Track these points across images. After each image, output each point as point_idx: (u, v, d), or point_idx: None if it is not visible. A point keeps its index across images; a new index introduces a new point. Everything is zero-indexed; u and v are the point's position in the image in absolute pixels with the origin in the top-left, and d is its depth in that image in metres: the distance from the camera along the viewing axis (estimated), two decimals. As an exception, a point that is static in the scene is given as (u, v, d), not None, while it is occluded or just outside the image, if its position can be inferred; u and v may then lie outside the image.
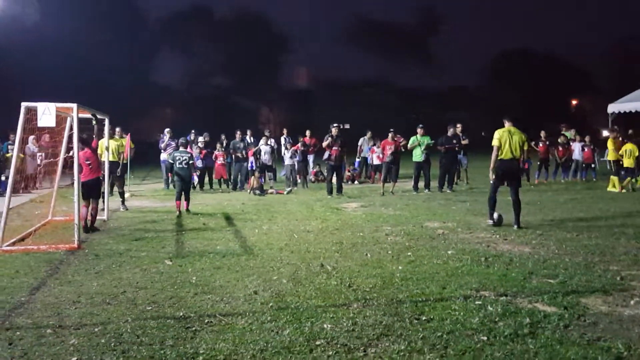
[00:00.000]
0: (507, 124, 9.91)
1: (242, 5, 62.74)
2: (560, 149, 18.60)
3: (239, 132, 17.83)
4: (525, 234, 8.96)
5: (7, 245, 8.30)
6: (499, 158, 9.74)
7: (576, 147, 18.48)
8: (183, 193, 12.20)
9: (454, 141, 16.08)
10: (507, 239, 8.58)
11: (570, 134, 19.79)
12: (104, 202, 11.66)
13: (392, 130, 16.43)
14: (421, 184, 15.99)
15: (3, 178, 16.01)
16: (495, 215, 9.89)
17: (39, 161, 17.68)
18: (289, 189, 16.55)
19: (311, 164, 19.94)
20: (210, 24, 56.00)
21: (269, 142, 17.11)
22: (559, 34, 75.43)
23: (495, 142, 9.76)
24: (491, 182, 9.98)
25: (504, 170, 9.80)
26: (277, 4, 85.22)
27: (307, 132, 19.78)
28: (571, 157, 18.66)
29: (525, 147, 9.92)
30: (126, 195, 13.70)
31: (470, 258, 7.27)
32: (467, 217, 10.83)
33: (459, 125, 16.98)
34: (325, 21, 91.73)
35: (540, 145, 18.32)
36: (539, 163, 18.16)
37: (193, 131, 18.34)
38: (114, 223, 10.98)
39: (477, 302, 5.38)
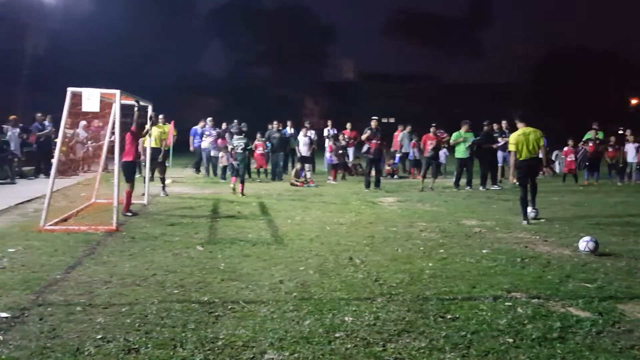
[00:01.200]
0: (520, 125, 10.14)
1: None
2: (610, 149, 17.98)
3: (275, 123, 17.91)
4: (567, 236, 8.70)
5: (50, 225, 8.55)
6: (519, 160, 9.95)
7: (629, 148, 17.73)
8: (235, 173, 13.57)
9: (499, 139, 15.85)
10: (547, 240, 8.37)
11: (590, 134, 18.62)
12: (144, 187, 11.95)
13: (434, 125, 16.26)
14: (463, 180, 15.76)
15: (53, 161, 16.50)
16: (531, 213, 9.97)
17: (88, 145, 18.20)
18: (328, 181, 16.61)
19: (351, 157, 19.86)
20: (256, 15, 56.28)
21: (307, 134, 17.11)
22: (617, 30, 72.83)
23: (512, 147, 10.06)
24: (516, 183, 10.14)
25: (527, 169, 10.04)
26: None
27: (348, 125, 19.71)
28: (624, 158, 17.90)
29: (541, 143, 10.12)
30: (167, 181, 13.96)
31: (506, 258, 7.11)
32: (507, 217, 10.59)
33: (503, 122, 16.71)
34: (371, 13, 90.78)
35: (590, 145, 17.67)
36: (587, 164, 17.57)
37: (235, 121, 18.52)
38: (153, 208, 11.22)
39: (506, 304, 5.26)
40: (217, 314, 4.85)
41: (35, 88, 27.08)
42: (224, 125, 18.74)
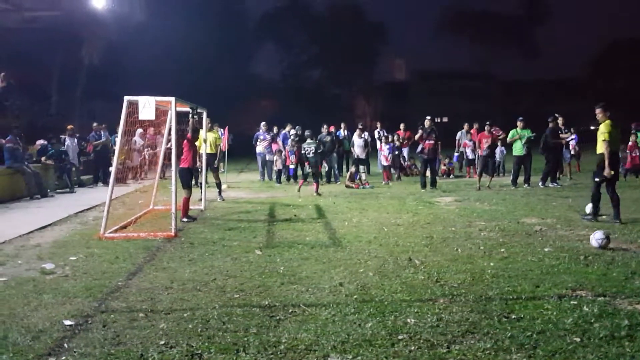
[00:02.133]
0: (603, 117, 9.58)
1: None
2: None
3: (325, 126, 17.88)
4: (631, 232, 8.40)
5: (110, 232, 8.77)
6: (612, 151, 9.39)
7: None
8: (312, 176, 14.69)
9: (568, 133, 15.49)
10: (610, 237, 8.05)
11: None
12: (201, 192, 12.15)
13: (488, 122, 15.97)
14: (521, 178, 15.36)
15: (111, 169, 16.97)
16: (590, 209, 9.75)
17: (145, 154, 18.65)
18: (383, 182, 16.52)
19: (406, 157, 19.68)
20: (307, 16, 56.49)
21: (362, 136, 17.03)
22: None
23: (606, 136, 9.34)
24: (608, 177, 9.36)
25: (616, 165, 9.67)
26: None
27: (401, 125, 19.53)
28: None
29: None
30: (223, 186, 14.15)
31: (569, 256, 6.89)
32: (569, 214, 10.29)
33: (560, 119, 16.24)
34: (424, 11, 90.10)
35: None
36: None
37: (289, 125, 18.63)
38: (210, 213, 11.36)
39: (572, 302, 5.08)
40: (278, 317, 4.85)
41: (92, 98, 28.00)
42: (275, 129, 18.91)
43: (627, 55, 56.38)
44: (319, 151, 14.74)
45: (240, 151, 19.06)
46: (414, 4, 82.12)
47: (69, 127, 16.91)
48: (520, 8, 64.33)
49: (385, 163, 17.65)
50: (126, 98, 8.91)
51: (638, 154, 17.11)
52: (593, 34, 79.83)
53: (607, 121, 9.46)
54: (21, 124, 16.40)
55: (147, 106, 8.71)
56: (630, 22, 79.70)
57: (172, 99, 9.06)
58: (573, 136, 17.02)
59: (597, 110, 9.63)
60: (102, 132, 17.90)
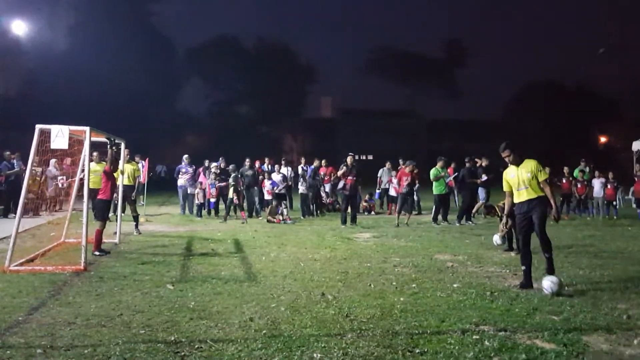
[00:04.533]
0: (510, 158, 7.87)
1: (268, 35, 63.87)
2: (579, 185, 18.42)
3: (247, 160, 17.90)
4: (536, 269, 8.72)
5: (16, 265, 8.37)
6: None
7: (596, 183, 18.18)
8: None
9: (483, 175, 16.11)
10: (516, 274, 8.35)
11: (586, 170, 19.51)
12: (116, 225, 11.81)
13: (409, 161, 16.40)
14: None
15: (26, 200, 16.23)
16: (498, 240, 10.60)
17: (60, 184, 17.98)
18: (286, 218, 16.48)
19: (328, 193, 19.82)
20: (236, 54, 56.84)
21: (281, 171, 17.19)
22: (587, 66, 74.87)
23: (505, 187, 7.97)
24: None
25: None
26: (303, 35, 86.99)
27: (323, 162, 19.72)
28: (591, 194, 18.37)
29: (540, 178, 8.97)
30: (141, 219, 13.82)
31: (476, 292, 7.13)
32: (480, 251, 10.66)
33: (483, 160, 16.97)
34: (350, 51, 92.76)
35: (564, 181, 18.20)
36: (561, 199, 17.92)
37: (221, 158, 18.52)
38: (125, 246, 11.05)
39: (474, 337, 5.25)
40: (183, 353, 4.76)
41: (6, 128, 26.88)
42: (206, 163, 18.67)
43: (546, 97, 59.80)
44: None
45: (161, 185, 18.67)
46: (342, 44, 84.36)
47: (-19, 156, 16.17)
48: (442, 51, 67.38)
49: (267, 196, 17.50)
50: (38, 126, 8.63)
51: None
52: (510, 76, 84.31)
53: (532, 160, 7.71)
54: None
55: (59, 135, 8.47)
56: (545, 65, 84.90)
57: (87, 128, 8.85)
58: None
59: (505, 152, 7.83)
60: (15, 161, 17.16)
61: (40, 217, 15.99)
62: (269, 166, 19.08)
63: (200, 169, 18.18)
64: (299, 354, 4.76)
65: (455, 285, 7.53)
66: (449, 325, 5.63)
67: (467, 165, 16.35)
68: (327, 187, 19.47)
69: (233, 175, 16.23)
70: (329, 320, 5.77)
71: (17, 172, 16.83)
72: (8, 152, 17.31)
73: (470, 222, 15.75)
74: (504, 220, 10.51)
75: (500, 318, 5.93)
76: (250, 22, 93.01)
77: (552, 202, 7.59)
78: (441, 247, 11.12)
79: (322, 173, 19.06)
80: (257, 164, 18.39)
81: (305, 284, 7.58)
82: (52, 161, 16.92)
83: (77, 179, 11.64)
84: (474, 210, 16.48)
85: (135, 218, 13.03)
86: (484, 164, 17.09)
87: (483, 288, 7.37)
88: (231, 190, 15.98)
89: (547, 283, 7.04)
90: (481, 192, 17.14)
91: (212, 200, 17.16)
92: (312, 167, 18.57)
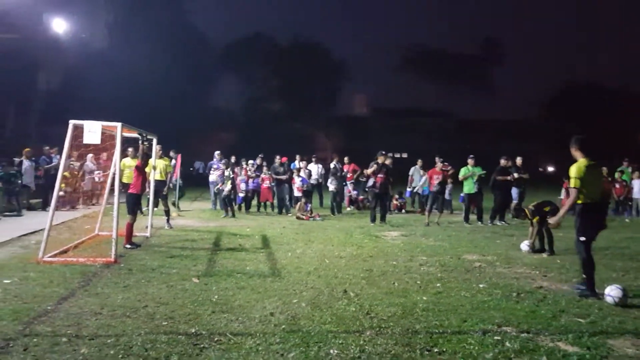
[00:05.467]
0: (578, 155, 7.39)
1: (302, 33, 64.00)
2: (617, 186, 17.96)
3: (278, 157, 18.07)
4: (567, 271, 8.61)
5: (49, 257, 8.60)
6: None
7: (635, 184, 17.73)
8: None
9: (515, 174, 15.87)
10: (546, 275, 8.27)
11: (628, 170, 19.04)
12: (148, 219, 12.03)
13: (440, 159, 16.28)
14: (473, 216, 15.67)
15: (62, 193, 16.64)
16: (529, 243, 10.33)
17: (96, 178, 18.38)
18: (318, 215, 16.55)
19: (351, 190, 19.83)
20: (270, 51, 57.11)
21: (309, 168, 17.37)
22: (631, 67, 72.91)
23: (576, 183, 7.10)
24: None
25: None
26: (336, 32, 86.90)
27: (346, 159, 19.77)
28: (630, 194, 17.94)
29: None
30: (173, 214, 14.04)
31: (502, 293, 7.05)
32: (510, 252, 10.50)
33: (518, 159, 16.74)
34: (383, 49, 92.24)
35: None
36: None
37: (261, 155, 18.80)
38: (155, 240, 11.25)
39: (495, 337, 5.20)
40: (202, 345, 4.83)
41: (49, 122, 27.58)
42: (233, 159, 18.89)
43: (581, 98, 58.55)
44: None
45: (193, 180, 18.93)
46: (376, 42, 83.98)
47: (26, 150, 16.58)
48: (478, 49, 66.49)
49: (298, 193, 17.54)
50: (72, 122, 8.84)
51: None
52: (548, 76, 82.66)
53: (582, 160, 7.25)
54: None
55: (92, 130, 8.66)
56: (585, 66, 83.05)
57: (119, 124, 9.02)
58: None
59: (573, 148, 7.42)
60: (54, 156, 17.60)
61: (77, 210, 16.40)
62: (300, 163, 19.16)
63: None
64: (316, 349, 4.79)
65: (481, 286, 7.45)
66: (470, 326, 5.59)
67: (502, 163, 16.11)
68: (350, 185, 19.52)
69: (228, 169, 16.49)
70: (348, 317, 5.78)
71: (57, 166, 17.26)
72: (47, 147, 17.77)
73: (503, 222, 15.54)
74: (535, 228, 10.39)
75: (524, 320, 5.85)
76: (284, 20, 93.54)
77: (562, 209, 7.45)
78: (470, 247, 11.00)
79: (345, 170, 19.13)
80: (284, 160, 18.52)
81: (329, 280, 7.60)
82: (89, 156, 17.32)
83: (110, 173, 11.87)
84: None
85: (167, 213, 13.24)
86: (518, 163, 16.84)
87: (509, 289, 7.28)
88: (228, 183, 16.11)
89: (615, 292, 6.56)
90: (514, 192, 16.89)
91: (241, 195, 17.31)
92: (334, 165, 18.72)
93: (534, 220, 10.46)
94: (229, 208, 16.11)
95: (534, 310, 6.26)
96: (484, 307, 6.32)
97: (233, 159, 18.87)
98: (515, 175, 16.19)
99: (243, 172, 17.17)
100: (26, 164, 16.19)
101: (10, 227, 12.27)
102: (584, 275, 7.08)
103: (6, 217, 14.39)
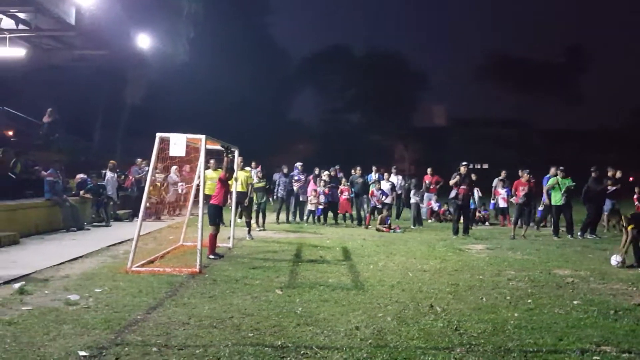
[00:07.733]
0: None
1: (379, 44, 63.81)
2: None
3: (358, 168, 18.01)
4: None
5: (137, 266, 8.87)
6: None
7: None
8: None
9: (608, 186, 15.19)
10: (645, 292, 7.77)
11: None
12: (230, 230, 12.24)
13: (526, 170, 15.73)
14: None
15: (148, 204, 17.23)
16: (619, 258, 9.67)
17: (180, 190, 18.94)
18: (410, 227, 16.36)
19: (433, 202, 19.50)
20: (348, 62, 57.21)
21: (390, 180, 17.28)
22: None
23: None
24: None
25: None
26: (413, 42, 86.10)
27: (429, 170, 19.49)
28: None
29: None
30: (253, 225, 14.25)
31: (598, 310, 6.65)
32: (604, 266, 9.94)
33: (619, 172, 16.02)
34: (463, 58, 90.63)
35: None
36: None
37: (337, 166, 18.90)
38: (237, 251, 11.41)
39: (594, 358, 4.89)
40: (289, 358, 4.79)
41: (133, 136, 28.73)
42: (316, 170, 18.93)
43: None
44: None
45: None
46: (455, 51, 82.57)
47: (111, 162, 17.30)
48: (562, 56, 64.05)
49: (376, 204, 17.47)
50: (158, 135, 9.12)
51: None
52: (635, 83, 78.49)
53: None
54: (62, 158, 16.87)
55: (177, 143, 8.89)
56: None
57: (203, 136, 9.22)
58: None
59: None
60: (145, 167, 18.26)
61: (162, 221, 16.93)
62: (376, 174, 19.03)
63: (311, 177, 18.43)
64: (405, 366, 4.65)
65: (575, 302, 7.07)
66: (567, 345, 5.28)
67: (593, 175, 15.37)
68: (433, 196, 19.25)
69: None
70: (436, 333, 5.60)
71: (146, 177, 17.94)
72: (140, 159, 18.47)
73: (595, 236, 14.79)
74: (629, 237, 9.80)
75: (624, 339, 5.49)
76: (362, 31, 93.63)
77: None
78: (561, 262, 10.51)
79: (427, 181, 18.89)
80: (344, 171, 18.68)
81: (413, 294, 7.43)
82: (173, 168, 17.86)
83: (194, 185, 12.18)
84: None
85: (248, 224, 13.43)
86: (617, 175, 16.04)
87: (606, 306, 6.87)
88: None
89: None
90: (607, 204, 16.07)
91: (320, 207, 17.34)
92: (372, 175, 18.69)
93: (629, 228, 9.88)
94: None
95: (634, 329, 5.87)
96: (580, 325, 5.98)
97: (316, 171, 18.93)
98: (611, 187, 15.44)
99: (322, 184, 17.21)
100: (109, 175, 16.85)
101: (99, 238, 12.80)
102: None
103: (95, 228, 15.01)
